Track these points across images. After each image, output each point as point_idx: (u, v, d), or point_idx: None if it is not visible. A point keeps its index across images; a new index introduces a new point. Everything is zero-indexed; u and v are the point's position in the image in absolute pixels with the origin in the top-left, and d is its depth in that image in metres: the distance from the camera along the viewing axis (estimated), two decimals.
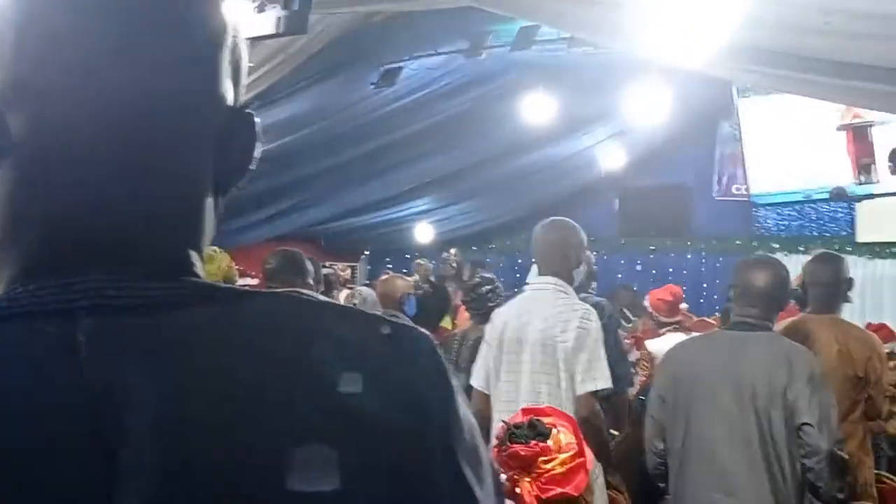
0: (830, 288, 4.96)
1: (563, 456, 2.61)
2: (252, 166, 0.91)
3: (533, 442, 2.62)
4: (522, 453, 2.59)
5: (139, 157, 0.83)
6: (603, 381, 4.23)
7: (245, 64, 0.93)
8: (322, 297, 0.89)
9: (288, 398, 0.77)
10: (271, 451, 0.76)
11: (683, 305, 7.20)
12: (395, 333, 0.86)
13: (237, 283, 5.58)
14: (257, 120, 0.91)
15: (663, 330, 6.57)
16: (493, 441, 2.95)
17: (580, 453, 2.66)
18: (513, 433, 2.67)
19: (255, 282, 6.80)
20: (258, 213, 12.82)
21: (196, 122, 0.86)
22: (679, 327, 6.58)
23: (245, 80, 0.94)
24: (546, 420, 2.71)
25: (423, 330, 0.88)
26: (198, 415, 0.76)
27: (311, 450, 0.76)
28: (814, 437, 3.71)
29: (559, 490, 2.58)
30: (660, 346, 5.30)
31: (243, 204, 12.12)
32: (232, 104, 0.90)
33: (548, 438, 2.63)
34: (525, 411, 2.84)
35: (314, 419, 0.77)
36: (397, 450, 0.79)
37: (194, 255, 0.86)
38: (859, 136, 10.56)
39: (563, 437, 2.67)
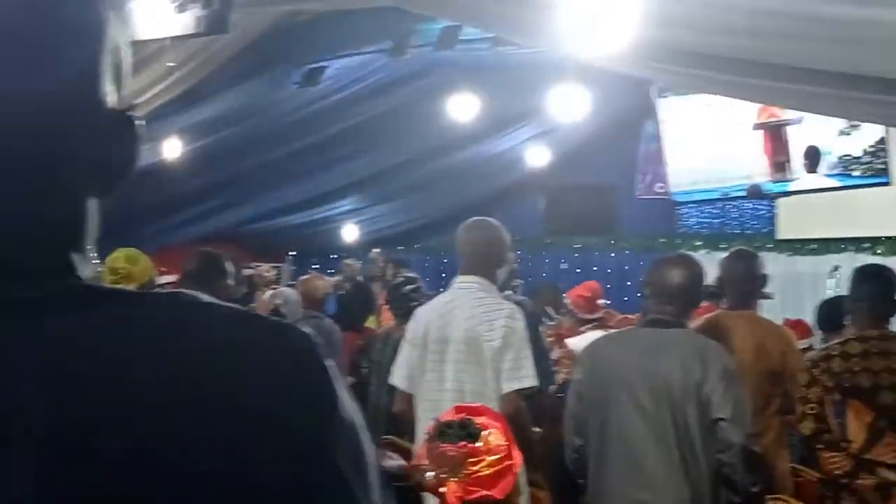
0: (746, 284, 5.04)
1: (491, 458, 2.60)
2: (135, 167, 0.91)
3: (462, 443, 2.61)
4: (451, 454, 2.58)
5: (12, 161, 0.82)
6: (529, 380, 4.26)
7: (128, 66, 0.92)
8: (207, 298, 0.89)
9: (164, 397, 0.79)
10: (148, 448, 0.77)
11: (603, 301, 7.25)
12: (276, 334, 0.87)
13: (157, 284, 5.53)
14: (140, 122, 0.91)
15: (584, 327, 6.61)
16: (422, 437, 2.94)
17: (509, 456, 2.65)
18: (443, 431, 2.66)
19: (172, 278, 6.73)
20: (182, 213, 12.71)
21: (73, 125, 0.85)
22: (600, 325, 6.62)
23: (128, 82, 0.93)
24: (478, 420, 2.70)
25: (305, 330, 0.89)
26: (79, 414, 0.76)
27: (183, 445, 0.78)
28: (728, 432, 3.76)
29: (484, 492, 2.57)
30: (580, 343, 5.33)
31: (167, 205, 12.01)
32: (113, 107, 0.89)
33: (478, 440, 2.62)
34: (458, 409, 2.83)
35: (188, 418, 0.79)
36: (271, 448, 0.81)
37: (76, 257, 0.86)
38: (775, 135, 10.73)
39: (493, 438, 2.66)
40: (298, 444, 0.82)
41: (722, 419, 3.77)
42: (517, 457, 2.70)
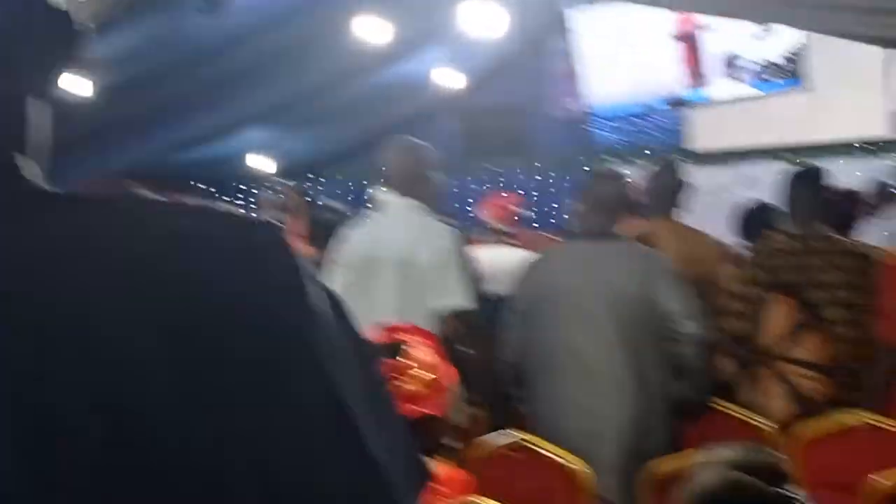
0: (671, 195, 5.10)
1: (419, 373, 2.50)
2: (70, 62, 0.90)
3: (389, 361, 2.49)
4: None
5: None
6: (465, 300, 4.23)
7: None
8: (157, 196, 0.91)
9: (132, 298, 0.76)
10: (123, 349, 0.75)
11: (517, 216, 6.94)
12: (243, 225, 0.85)
13: None
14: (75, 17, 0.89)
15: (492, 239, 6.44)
16: None
17: (441, 372, 2.55)
18: None
19: None
20: (88, 150, 12.41)
21: (6, 22, 0.84)
22: (511, 240, 6.41)
23: None
24: (405, 338, 2.60)
25: (273, 221, 0.88)
26: (52, 322, 0.74)
27: (160, 346, 0.76)
28: (687, 326, 3.88)
29: (415, 409, 2.46)
30: (487, 255, 5.22)
31: (72, 141, 11.74)
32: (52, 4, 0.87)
33: (405, 356, 2.51)
34: (384, 329, 2.73)
35: (161, 315, 0.77)
36: (250, 343, 0.79)
37: (20, 158, 0.84)
38: (691, 43, 10.68)
39: (422, 355, 2.56)
40: (277, 337, 0.81)
41: (678, 314, 3.88)
42: (450, 372, 2.59)
